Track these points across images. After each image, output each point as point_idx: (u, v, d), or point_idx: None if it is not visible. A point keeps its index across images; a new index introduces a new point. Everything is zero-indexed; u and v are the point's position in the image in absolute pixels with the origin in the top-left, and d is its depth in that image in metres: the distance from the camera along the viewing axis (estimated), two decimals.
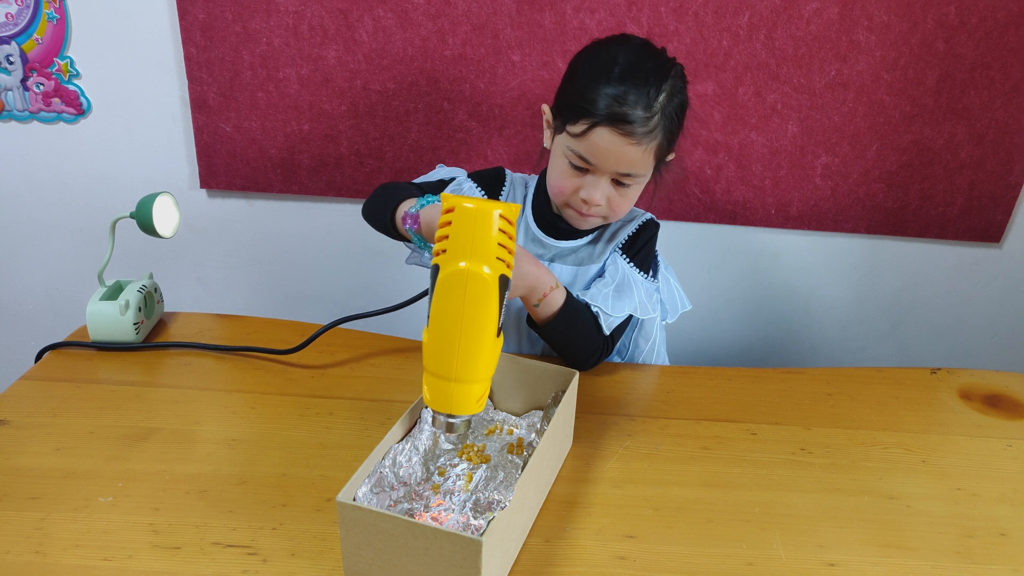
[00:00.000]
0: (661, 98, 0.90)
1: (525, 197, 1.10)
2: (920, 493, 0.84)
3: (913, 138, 1.42)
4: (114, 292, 1.06)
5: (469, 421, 0.70)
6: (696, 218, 1.51)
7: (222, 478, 0.80)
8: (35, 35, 1.36)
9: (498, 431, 0.86)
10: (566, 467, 0.85)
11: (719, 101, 1.39)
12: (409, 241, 0.97)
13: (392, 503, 0.70)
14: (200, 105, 1.41)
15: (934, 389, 1.05)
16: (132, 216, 1.02)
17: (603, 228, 1.08)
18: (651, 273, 1.06)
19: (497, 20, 1.34)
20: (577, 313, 0.97)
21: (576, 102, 0.92)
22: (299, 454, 0.85)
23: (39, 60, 1.38)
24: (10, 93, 1.41)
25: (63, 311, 1.62)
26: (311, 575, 0.69)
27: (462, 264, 0.65)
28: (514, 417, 0.89)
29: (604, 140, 0.91)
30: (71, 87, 1.41)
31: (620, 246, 1.06)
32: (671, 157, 1.00)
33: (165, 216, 1.03)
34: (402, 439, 0.75)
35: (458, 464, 0.80)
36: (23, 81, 1.40)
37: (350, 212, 1.52)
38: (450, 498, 0.75)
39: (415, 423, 0.77)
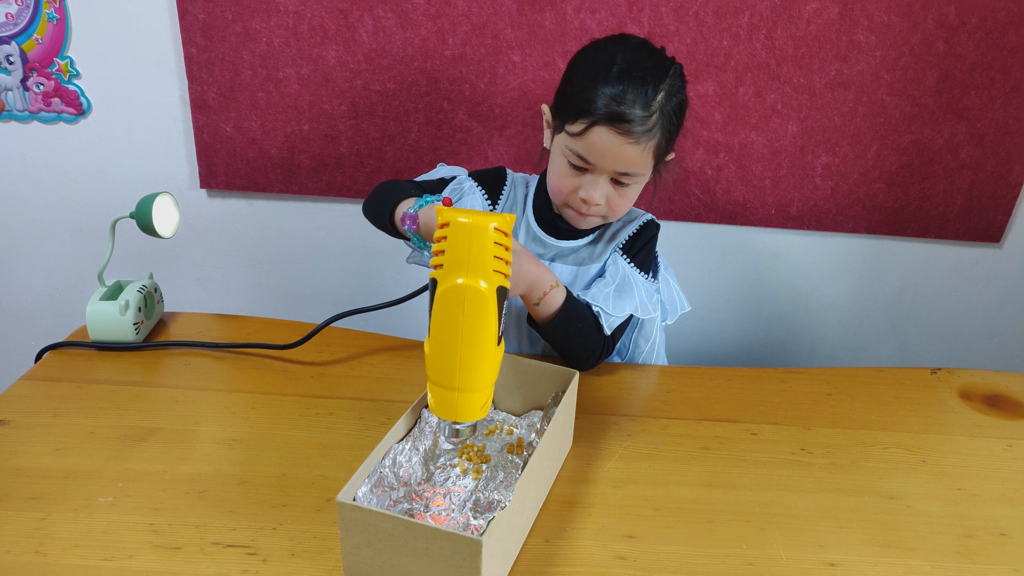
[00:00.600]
0: (659, 97, 0.90)
1: (526, 197, 1.10)
2: (920, 493, 0.84)
3: (913, 138, 1.42)
4: (114, 292, 1.06)
5: (475, 426, 0.71)
6: (696, 218, 1.51)
7: (222, 478, 0.80)
8: (35, 35, 1.36)
9: (498, 431, 0.86)
10: (566, 467, 0.85)
11: (719, 101, 1.39)
12: (408, 240, 0.98)
13: (392, 503, 0.70)
14: (200, 105, 1.41)
15: (934, 389, 1.05)
16: (132, 216, 1.02)
17: (604, 228, 1.08)
18: (651, 274, 1.06)
19: (497, 20, 1.34)
20: (577, 312, 0.97)
21: (575, 101, 0.92)
22: (299, 454, 0.85)
23: (39, 60, 1.38)
24: (10, 93, 1.41)
25: (63, 311, 1.62)
26: (311, 575, 0.69)
27: (459, 280, 0.65)
28: (514, 417, 0.89)
29: (602, 139, 0.91)
30: (71, 87, 1.41)
31: (621, 246, 1.06)
32: (671, 157, 1.00)
33: (165, 216, 1.03)
34: (402, 439, 0.75)
35: (458, 464, 0.80)
36: (23, 81, 1.40)
37: (350, 212, 1.52)
38: (450, 498, 0.75)
39: (415, 423, 0.77)
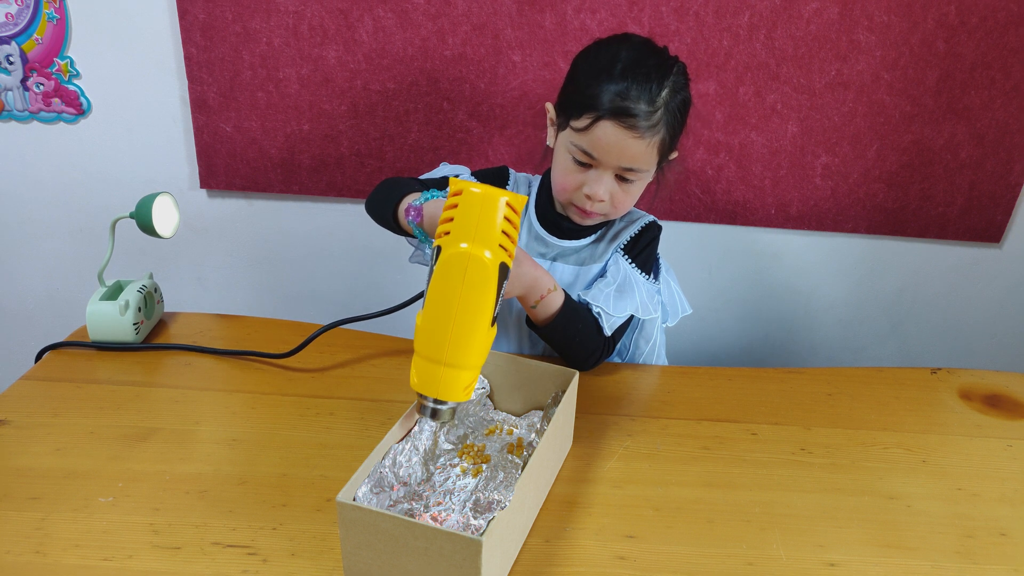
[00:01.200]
0: (664, 93, 0.91)
1: (528, 196, 1.10)
2: (920, 493, 0.84)
3: (913, 138, 1.42)
4: (114, 292, 1.06)
5: (454, 410, 0.70)
6: (696, 218, 1.51)
7: (222, 478, 0.80)
8: (35, 35, 1.36)
9: (498, 431, 0.86)
10: (566, 467, 0.85)
11: (719, 101, 1.39)
12: (411, 236, 0.98)
13: (392, 503, 0.70)
14: (200, 105, 1.41)
15: (934, 389, 1.05)
16: (132, 216, 1.02)
17: (606, 228, 1.08)
18: (652, 275, 1.06)
19: (497, 20, 1.34)
20: (576, 315, 0.97)
21: (580, 98, 0.93)
22: (299, 454, 0.85)
23: (39, 60, 1.38)
24: (10, 93, 1.41)
25: (63, 311, 1.62)
26: (311, 575, 0.69)
27: (463, 246, 0.65)
28: (514, 417, 0.89)
29: (608, 134, 0.91)
30: (71, 87, 1.41)
31: (622, 247, 1.06)
32: (674, 155, 1.00)
33: (165, 216, 1.03)
34: (402, 439, 0.75)
35: (458, 464, 0.80)
36: (23, 81, 1.40)
37: (350, 212, 1.52)
38: (450, 498, 0.75)
39: (415, 423, 0.77)
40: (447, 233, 0.66)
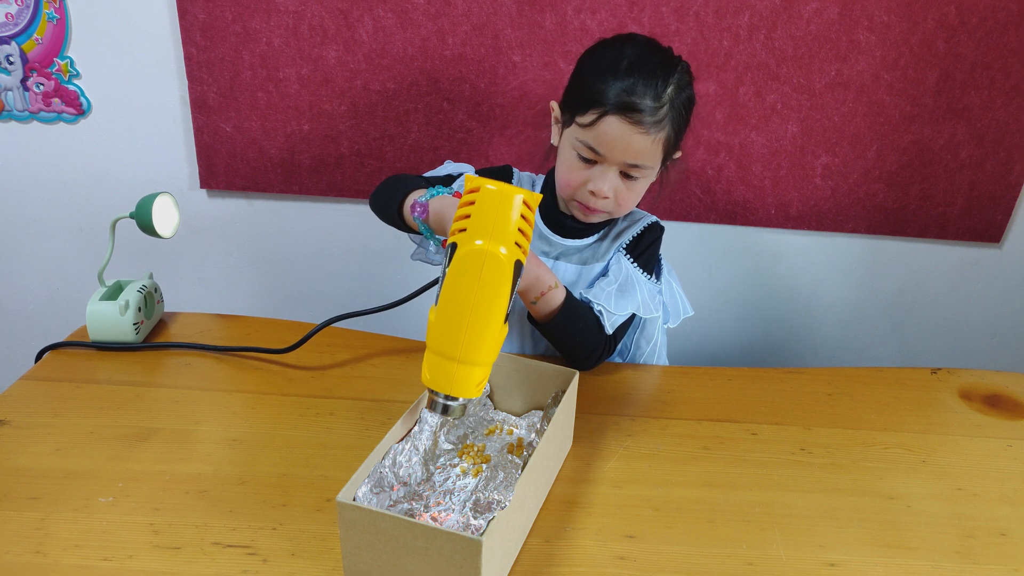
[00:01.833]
0: (669, 90, 0.92)
1: None
2: (920, 493, 0.84)
3: (913, 138, 1.42)
4: (114, 292, 1.06)
5: (465, 406, 0.70)
6: (696, 218, 1.51)
7: (222, 478, 0.80)
8: (35, 35, 1.36)
9: (498, 431, 0.86)
10: (566, 467, 0.85)
11: (719, 101, 1.39)
12: (415, 232, 0.98)
13: (392, 503, 0.70)
14: (200, 105, 1.41)
15: (934, 389, 1.05)
16: (132, 216, 1.02)
17: (608, 228, 1.08)
18: (654, 275, 1.06)
19: (497, 20, 1.34)
20: (576, 313, 0.97)
21: (585, 94, 0.93)
22: (299, 454, 0.85)
23: (39, 60, 1.38)
24: (10, 93, 1.41)
25: (63, 311, 1.62)
26: (311, 575, 0.69)
27: (479, 243, 0.65)
28: (514, 417, 0.89)
29: (613, 129, 0.91)
30: (71, 87, 1.41)
31: (624, 246, 1.06)
32: (678, 155, 1.01)
33: (165, 216, 1.03)
34: (402, 439, 0.75)
35: (458, 464, 0.80)
36: (23, 81, 1.40)
37: (350, 212, 1.52)
38: (450, 498, 0.75)
39: (415, 423, 0.77)
40: (463, 230, 0.66)
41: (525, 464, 0.70)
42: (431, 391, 0.69)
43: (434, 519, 0.72)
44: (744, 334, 1.66)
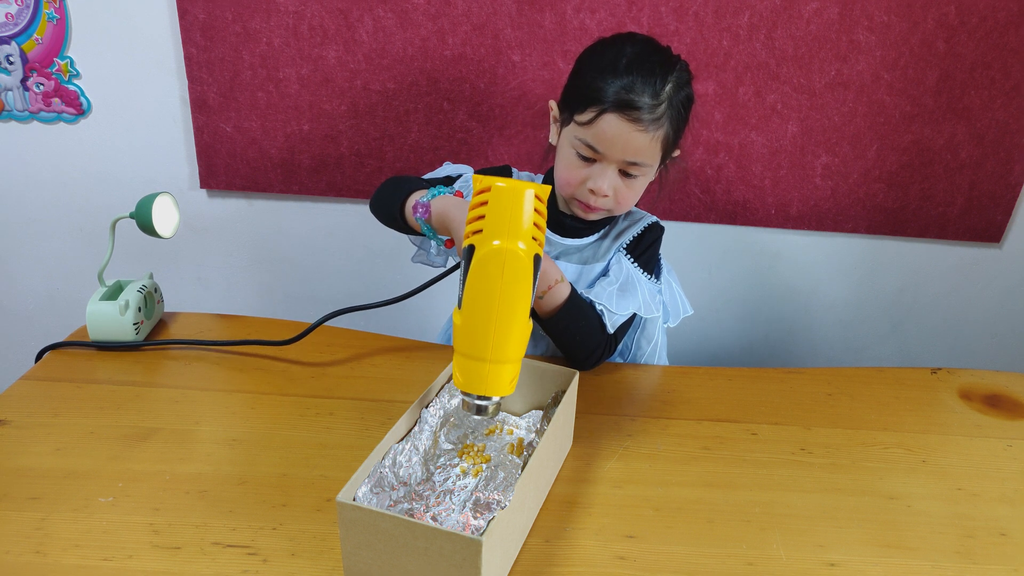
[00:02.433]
0: (668, 88, 0.92)
1: None
2: (920, 493, 0.84)
3: (913, 138, 1.42)
4: (114, 292, 1.06)
5: (499, 405, 0.71)
6: (696, 218, 1.51)
7: (222, 478, 0.80)
8: (35, 35, 1.36)
9: (498, 431, 0.86)
10: (566, 467, 0.85)
11: (719, 101, 1.39)
12: (417, 233, 0.98)
13: (392, 503, 0.70)
14: (200, 105, 1.41)
15: (934, 389, 1.05)
16: (132, 216, 1.02)
17: (609, 228, 1.08)
18: (654, 275, 1.06)
19: (497, 20, 1.34)
20: (581, 310, 0.97)
21: (584, 92, 0.93)
22: (299, 454, 0.85)
23: (39, 60, 1.38)
24: (10, 93, 1.41)
25: (63, 311, 1.62)
26: (311, 575, 0.69)
27: (497, 243, 0.65)
28: (514, 417, 0.89)
29: (612, 127, 0.92)
30: (71, 87, 1.41)
31: (625, 246, 1.06)
32: (677, 153, 1.01)
33: (165, 216, 1.03)
34: (402, 439, 0.75)
35: (458, 464, 0.80)
36: (23, 81, 1.40)
37: (350, 212, 1.52)
38: (450, 498, 0.75)
39: (415, 423, 0.77)
40: (479, 231, 0.66)
41: (525, 464, 0.70)
42: (464, 393, 0.70)
43: (434, 519, 0.72)
44: (744, 334, 1.66)
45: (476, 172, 1.10)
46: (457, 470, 0.79)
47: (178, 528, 0.73)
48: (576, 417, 0.89)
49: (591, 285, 1.06)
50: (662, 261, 1.10)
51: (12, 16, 1.35)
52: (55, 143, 1.46)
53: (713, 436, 0.92)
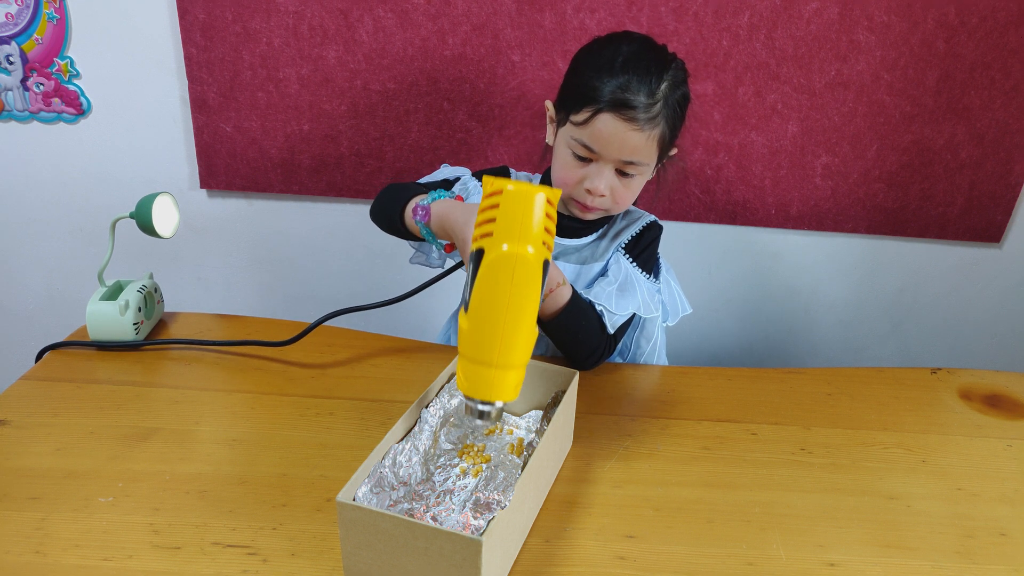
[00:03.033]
0: (663, 87, 0.92)
1: None
2: (920, 493, 0.84)
3: (913, 138, 1.42)
4: (114, 292, 1.06)
5: (502, 410, 0.70)
6: (696, 218, 1.51)
7: (222, 478, 0.80)
8: (35, 35, 1.36)
9: (498, 431, 0.86)
10: (566, 467, 0.85)
11: (719, 101, 1.39)
12: (417, 238, 0.97)
13: (392, 503, 0.70)
14: (200, 105, 1.41)
15: (934, 389, 1.04)
16: (132, 216, 1.02)
17: (607, 227, 1.08)
18: (653, 275, 1.06)
19: (497, 20, 1.34)
20: (582, 311, 0.97)
21: (580, 92, 0.93)
22: (299, 454, 0.85)
23: (39, 60, 1.38)
24: (10, 93, 1.41)
25: (63, 311, 1.62)
26: (311, 575, 0.69)
27: (506, 247, 0.64)
28: (514, 417, 0.89)
29: (608, 126, 0.92)
30: (71, 87, 1.41)
31: (623, 246, 1.06)
32: (674, 152, 1.01)
33: (165, 216, 1.03)
34: (402, 439, 0.75)
35: (458, 464, 0.80)
36: (23, 81, 1.40)
37: (350, 212, 1.52)
38: (450, 498, 0.75)
39: (415, 423, 0.77)
40: (488, 235, 0.65)
41: (525, 464, 0.70)
42: (467, 398, 0.69)
43: (434, 519, 0.72)
44: (744, 334, 1.66)
45: (472, 175, 1.10)
46: (457, 470, 0.79)
47: (178, 528, 0.73)
48: (576, 417, 0.89)
49: (590, 285, 1.06)
50: (661, 260, 1.10)
51: (12, 16, 1.35)
52: (55, 143, 1.46)
53: (713, 436, 0.92)
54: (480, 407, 0.68)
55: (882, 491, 0.84)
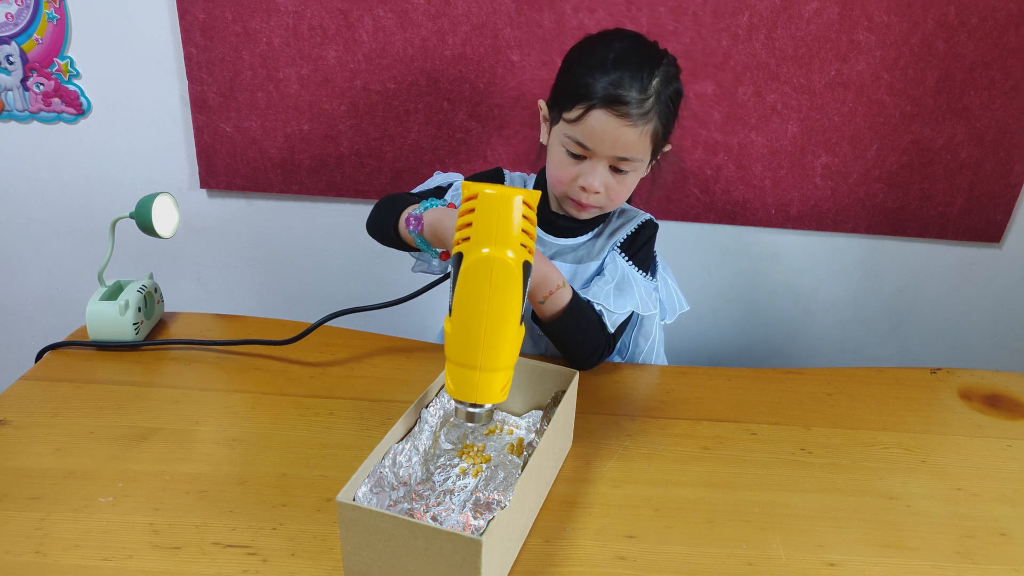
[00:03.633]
0: (655, 83, 0.92)
1: None
2: (920, 493, 0.84)
3: (913, 138, 1.42)
4: (114, 292, 1.06)
5: (492, 411, 0.70)
6: (696, 218, 1.51)
7: (222, 478, 0.80)
8: (35, 35, 1.36)
9: (498, 431, 0.86)
10: (566, 467, 0.85)
11: (718, 101, 1.39)
12: (413, 249, 0.98)
13: (392, 503, 0.70)
14: (200, 105, 1.41)
15: (934, 389, 1.05)
16: (132, 216, 1.02)
17: (603, 226, 1.08)
18: (650, 273, 1.06)
19: (497, 20, 1.34)
20: (582, 312, 0.97)
21: (572, 89, 0.94)
22: (299, 454, 0.85)
23: (39, 60, 1.38)
24: (10, 93, 1.41)
25: (63, 311, 1.62)
26: (311, 575, 0.69)
27: (485, 251, 0.65)
28: (514, 417, 0.89)
29: (600, 122, 0.92)
30: (71, 87, 1.41)
31: (619, 244, 1.06)
32: (668, 148, 1.01)
33: (165, 216, 1.03)
34: (402, 439, 0.75)
35: (458, 464, 0.80)
36: (23, 81, 1.40)
37: (350, 212, 1.52)
38: (450, 498, 0.75)
39: (415, 423, 0.77)
40: (466, 239, 0.66)
41: (525, 464, 0.71)
42: (456, 401, 0.69)
43: (434, 519, 0.72)
44: (743, 334, 1.66)
45: (466, 179, 1.10)
46: (457, 470, 0.79)
47: (178, 528, 0.73)
48: (576, 417, 0.89)
49: (586, 284, 1.06)
50: (657, 258, 1.10)
51: (12, 16, 1.35)
52: (55, 143, 1.46)
53: (712, 436, 0.92)
54: (469, 410, 0.69)
55: (882, 491, 0.84)
